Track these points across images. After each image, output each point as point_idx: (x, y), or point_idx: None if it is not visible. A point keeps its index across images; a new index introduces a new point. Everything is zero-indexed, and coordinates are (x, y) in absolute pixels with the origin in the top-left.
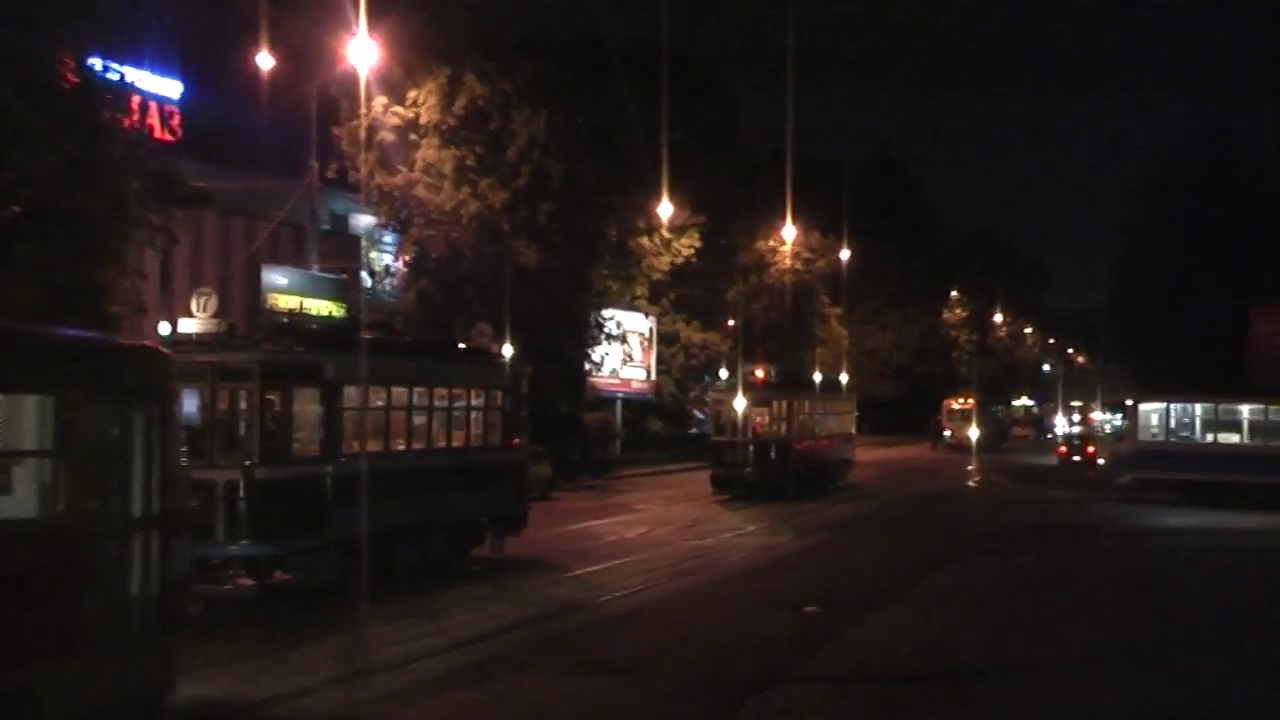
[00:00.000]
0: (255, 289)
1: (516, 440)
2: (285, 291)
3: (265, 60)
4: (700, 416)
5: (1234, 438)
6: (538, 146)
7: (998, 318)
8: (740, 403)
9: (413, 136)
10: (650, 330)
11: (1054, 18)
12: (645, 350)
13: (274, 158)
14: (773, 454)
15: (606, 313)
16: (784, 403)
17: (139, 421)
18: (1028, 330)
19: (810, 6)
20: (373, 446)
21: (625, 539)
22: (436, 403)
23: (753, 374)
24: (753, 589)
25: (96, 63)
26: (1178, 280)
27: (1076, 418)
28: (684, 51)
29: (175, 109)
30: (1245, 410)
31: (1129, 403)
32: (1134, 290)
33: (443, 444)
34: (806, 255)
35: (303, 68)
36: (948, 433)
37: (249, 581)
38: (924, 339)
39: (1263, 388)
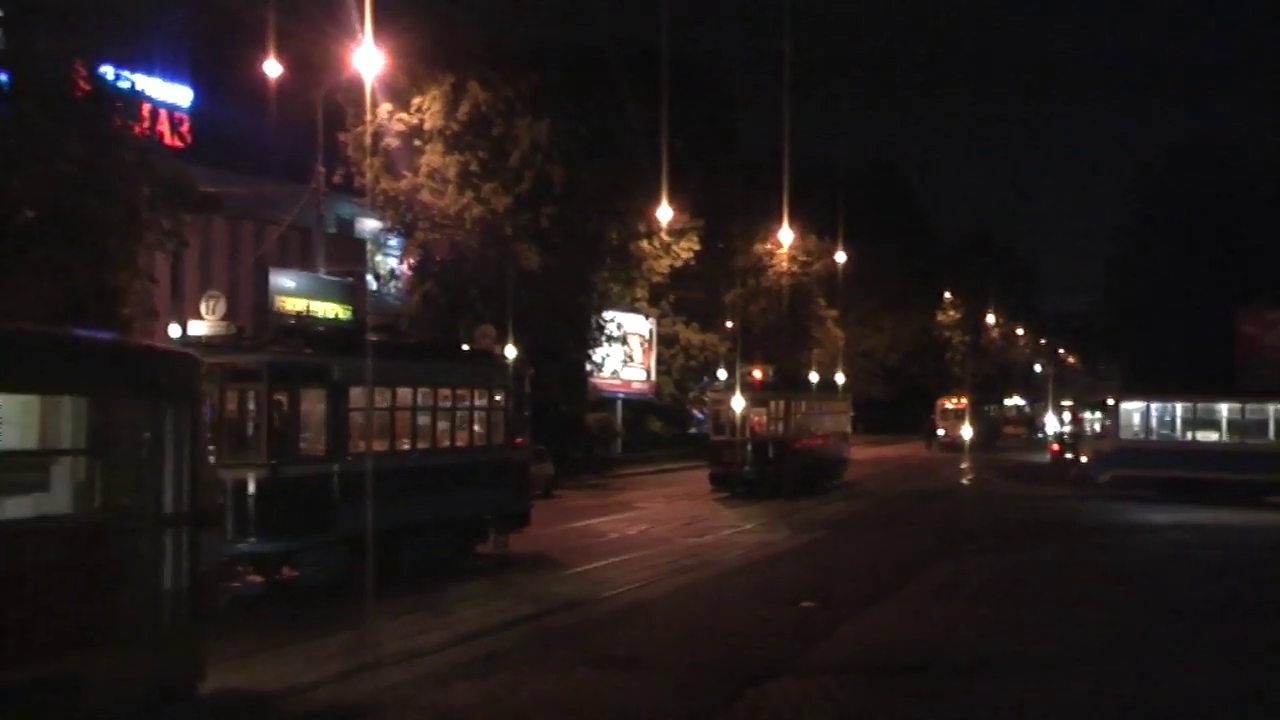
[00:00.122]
0: (263, 292)
1: (519, 440)
2: (292, 294)
3: (273, 68)
4: (699, 416)
5: (1213, 436)
6: (540, 152)
7: (990, 319)
8: (739, 403)
9: (417, 142)
10: (650, 332)
11: (1053, 19)
12: (645, 351)
13: (281, 163)
14: (770, 453)
15: (607, 314)
16: (781, 403)
17: (171, 422)
18: (1019, 331)
19: (809, 8)
20: (378, 446)
21: (626, 536)
22: (440, 403)
23: (751, 375)
24: (751, 585)
25: (108, 71)
26: (1173, 280)
27: (1067, 417)
28: (683, 54)
29: (185, 116)
30: (1224, 409)
31: (1110, 402)
32: (1128, 290)
33: (447, 443)
34: (803, 258)
35: (309, 75)
36: (941, 432)
37: (257, 578)
38: (918, 340)
39: (1244, 388)
